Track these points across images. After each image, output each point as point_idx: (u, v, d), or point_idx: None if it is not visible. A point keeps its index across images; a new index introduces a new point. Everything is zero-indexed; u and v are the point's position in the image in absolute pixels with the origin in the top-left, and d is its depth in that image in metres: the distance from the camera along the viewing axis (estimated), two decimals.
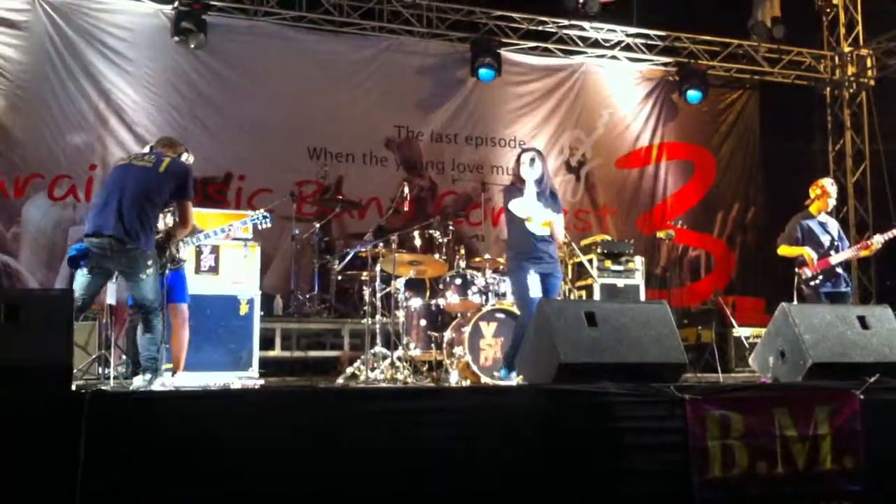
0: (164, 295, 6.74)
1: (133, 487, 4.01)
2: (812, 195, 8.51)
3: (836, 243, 8.34)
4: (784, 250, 8.44)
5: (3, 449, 3.88)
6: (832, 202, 8.54)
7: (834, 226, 8.55)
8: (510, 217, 7.12)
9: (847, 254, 8.37)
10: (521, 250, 7.04)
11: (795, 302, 8.14)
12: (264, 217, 7.60)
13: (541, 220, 6.98)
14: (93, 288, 6.21)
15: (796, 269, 8.32)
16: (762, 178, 14.67)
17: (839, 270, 8.27)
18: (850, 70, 14.35)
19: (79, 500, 3.87)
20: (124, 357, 8.41)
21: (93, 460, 3.92)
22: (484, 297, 8.57)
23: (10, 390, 4.03)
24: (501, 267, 8.83)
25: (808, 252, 8.19)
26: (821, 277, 8.16)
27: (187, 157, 6.81)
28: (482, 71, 12.62)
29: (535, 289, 6.87)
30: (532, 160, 7.07)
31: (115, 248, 6.06)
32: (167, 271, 6.73)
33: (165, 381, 6.40)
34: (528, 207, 6.95)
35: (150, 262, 6.19)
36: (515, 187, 7.14)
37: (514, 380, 6.60)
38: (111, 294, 8.26)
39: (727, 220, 14.42)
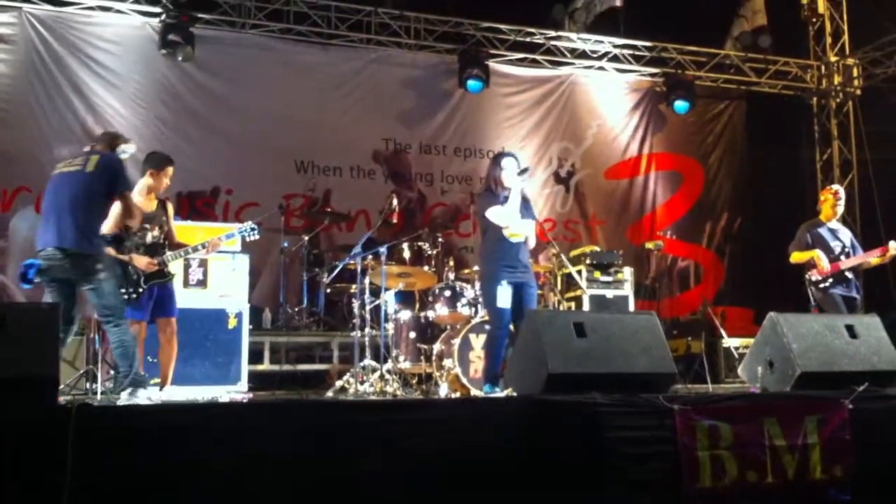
0: (152, 301, 6.75)
1: (120, 502, 3.98)
2: (821, 200, 8.58)
3: (846, 250, 8.36)
4: (796, 257, 8.44)
5: None
6: (840, 209, 8.54)
7: (846, 234, 8.57)
8: (486, 224, 7.02)
9: (858, 259, 8.33)
10: (496, 259, 6.94)
11: (813, 304, 8.21)
12: (252, 229, 7.55)
13: (519, 230, 6.93)
14: (62, 302, 6.11)
15: (806, 274, 8.32)
16: (750, 188, 14.71)
17: (849, 275, 8.26)
18: (837, 79, 14.40)
19: None
20: (112, 372, 8.38)
21: (79, 474, 3.88)
22: (473, 309, 8.56)
23: None
24: None
25: (818, 255, 8.22)
26: (831, 280, 8.17)
27: (124, 149, 6.67)
28: (470, 82, 12.63)
29: (504, 300, 6.81)
30: (524, 170, 7.02)
31: (59, 256, 6.02)
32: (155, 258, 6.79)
33: (152, 395, 6.36)
34: (508, 216, 6.89)
35: (99, 266, 6.11)
36: (492, 193, 7.03)
37: (500, 393, 6.58)
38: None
39: (716, 230, 14.47)
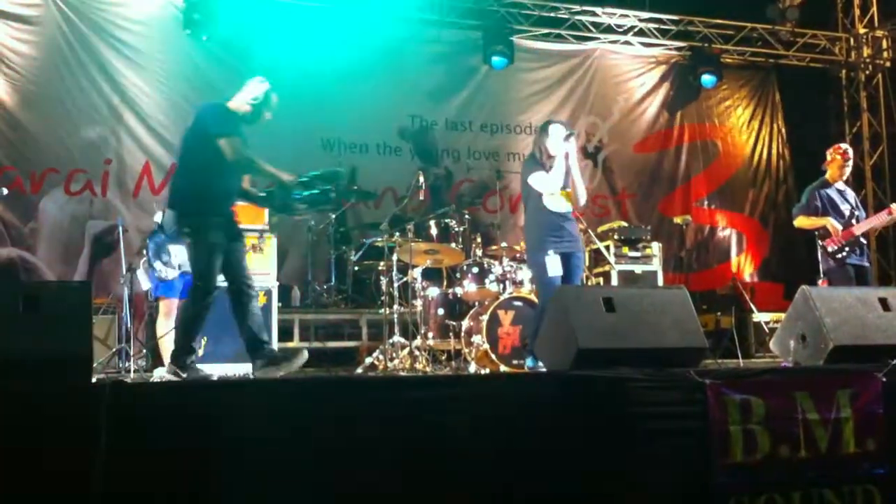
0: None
1: (154, 478, 4.00)
2: (827, 160, 8.31)
3: (855, 212, 8.14)
4: (802, 221, 8.21)
5: (23, 441, 3.87)
6: (847, 170, 8.27)
7: (851, 194, 8.33)
8: (529, 192, 6.99)
9: (871, 222, 8.19)
10: (541, 229, 6.91)
11: (821, 275, 8.02)
12: None
13: (560, 194, 6.89)
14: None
15: (820, 243, 8.08)
16: (790, 159, 14.55)
17: (863, 241, 8.08)
18: (866, 52, 14.26)
19: (100, 492, 3.87)
20: (144, 350, 8.44)
21: (113, 452, 3.90)
22: (501, 286, 8.55)
23: (29, 382, 4.02)
24: (518, 255, 8.81)
25: (831, 223, 7.97)
26: (846, 249, 7.95)
27: None
28: (494, 59, 12.58)
29: (555, 268, 6.76)
30: (570, 133, 7.00)
31: None
32: None
33: (180, 372, 6.40)
34: (552, 182, 6.86)
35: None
36: (536, 161, 7.01)
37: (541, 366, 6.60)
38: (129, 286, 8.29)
39: (759, 198, 14.33)
